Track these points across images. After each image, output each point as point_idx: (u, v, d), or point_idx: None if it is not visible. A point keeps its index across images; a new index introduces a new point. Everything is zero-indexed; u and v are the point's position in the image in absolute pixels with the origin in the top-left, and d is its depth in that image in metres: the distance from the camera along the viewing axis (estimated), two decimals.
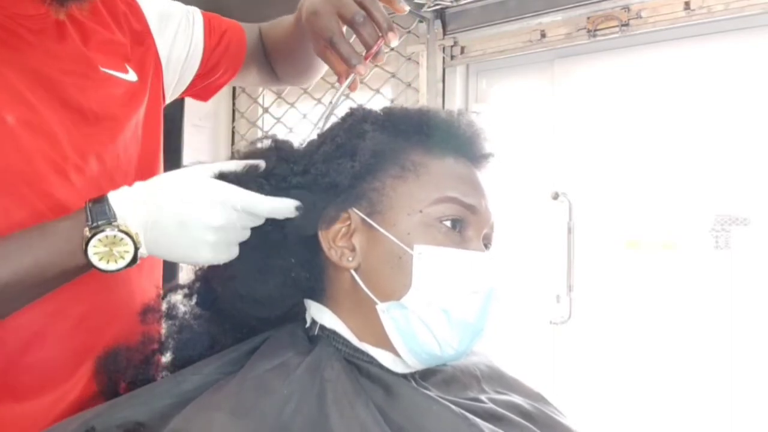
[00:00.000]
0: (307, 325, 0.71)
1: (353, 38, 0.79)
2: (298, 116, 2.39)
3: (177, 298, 0.74)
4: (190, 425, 0.58)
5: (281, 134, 2.61)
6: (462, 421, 0.63)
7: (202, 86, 0.98)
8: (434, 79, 2.06)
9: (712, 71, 1.73)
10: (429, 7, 1.98)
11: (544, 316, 1.94)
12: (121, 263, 0.64)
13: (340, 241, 0.68)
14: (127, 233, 0.63)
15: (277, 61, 1.02)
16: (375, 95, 2.17)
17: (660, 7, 1.68)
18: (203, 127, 2.55)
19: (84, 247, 0.63)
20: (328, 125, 0.74)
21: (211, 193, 0.63)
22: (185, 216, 0.63)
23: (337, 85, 0.80)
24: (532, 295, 1.97)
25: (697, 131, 1.74)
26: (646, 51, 1.82)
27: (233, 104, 2.65)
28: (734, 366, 1.68)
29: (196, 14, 0.95)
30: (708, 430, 1.69)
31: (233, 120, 2.65)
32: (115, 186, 0.67)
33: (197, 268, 0.75)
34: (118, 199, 0.64)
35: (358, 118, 0.72)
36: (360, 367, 0.67)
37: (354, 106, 0.76)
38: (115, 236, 0.63)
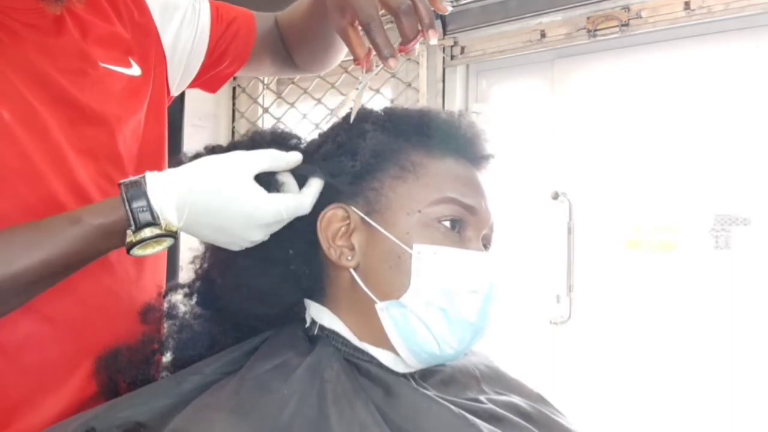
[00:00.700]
0: (307, 325, 0.71)
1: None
2: (298, 116, 2.39)
3: (177, 297, 0.74)
4: (190, 425, 0.58)
5: None
6: (461, 421, 0.63)
7: (208, 77, 0.96)
8: (434, 79, 2.06)
9: (712, 71, 1.73)
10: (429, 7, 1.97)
11: (544, 316, 1.94)
12: (158, 248, 0.65)
13: (340, 240, 0.68)
14: (170, 233, 0.64)
15: (293, 46, 0.98)
16: (375, 95, 2.17)
17: (660, 7, 1.68)
18: (203, 127, 2.55)
19: (127, 247, 0.64)
20: (355, 112, 0.71)
21: (252, 217, 0.64)
22: (225, 227, 0.64)
23: (345, 81, 0.78)
24: (532, 295, 1.97)
25: (697, 131, 1.74)
26: (646, 51, 1.82)
27: (233, 104, 2.65)
28: (734, 366, 1.68)
29: (203, 2, 0.93)
30: (708, 430, 1.69)
31: (233, 120, 2.65)
32: (113, 185, 0.67)
33: (198, 267, 0.75)
34: (156, 191, 0.63)
35: (359, 118, 0.72)
36: (359, 366, 0.67)
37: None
38: (159, 236, 0.63)
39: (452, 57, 2.05)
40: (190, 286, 0.75)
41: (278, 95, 2.53)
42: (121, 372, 0.70)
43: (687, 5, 1.64)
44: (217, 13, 0.93)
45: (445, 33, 2.05)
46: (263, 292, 0.69)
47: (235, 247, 0.67)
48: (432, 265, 0.65)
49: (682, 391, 1.73)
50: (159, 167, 0.84)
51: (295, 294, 0.71)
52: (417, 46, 0.72)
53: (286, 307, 0.72)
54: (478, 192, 0.70)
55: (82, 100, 0.74)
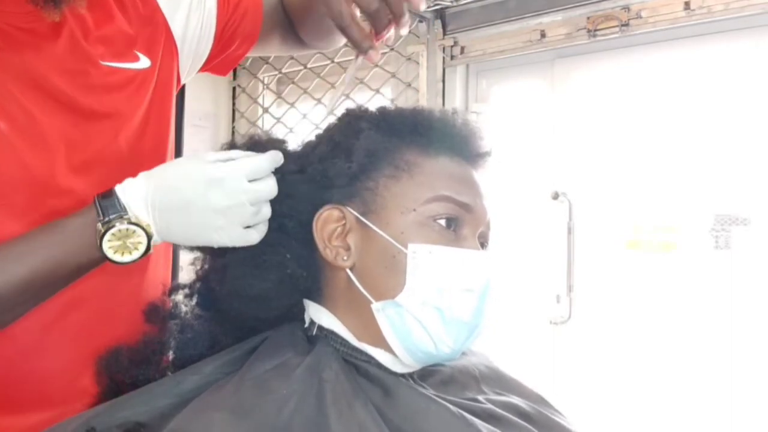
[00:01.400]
0: (306, 325, 0.71)
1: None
2: (298, 116, 2.39)
3: (178, 298, 0.74)
4: (190, 425, 0.58)
5: (281, 134, 2.62)
6: (460, 421, 0.63)
7: (219, 60, 0.95)
8: (434, 79, 2.06)
9: (712, 71, 1.73)
10: (429, 7, 1.98)
11: (544, 316, 1.94)
12: (136, 254, 0.65)
13: (335, 241, 0.68)
14: (138, 224, 0.64)
15: (298, 23, 0.97)
16: (375, 95, 2.17)
17: (660, 7, 1.69)
18: (203, 127, 2.55)
19: (98, 242, 0.64)
20: (338, 105, 0.72)
21: (208, 174, 0.64)
22: (188, 202, 0.64)
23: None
24: (532, 295, 1.97)
25: (697, 131, 1.75)
26: (646, 51, 1.82)
27: (233, 104, 2.65)
28: (734, 366, 1.68)
29: None
30: (708, 430, 1.69)
31: (233, 120, 2.66)
32: (121, 181, 0.67)
33: (198, 267, 0.75)
34: (125, 191, 0.65)
35: (353, 118, 0.72)
36: (358, 367, 0.67)
37: (351, 106, 0.76)
38: (127, 229, 0.64)
39: (452, 57, 2.06)
40: (190, 286, 0.75)
41: (278, 95, 2.53)
42: (122, 372, 0.70)
43: (687, 5, 1.64)
44: None
45: (445, 33, 2.05)
46: (262, 297, 0.69)
47: (213, 235, 0.65)
48: (427, 264, 0.65)
49: (682, 391, 1.73)
50: (164, 156, 0.84)
51: (293, 296, 0.71)
52: (392, 32, 0.73)
53: (286, 310, 0.72)
54: (473, 190, 0.70)
55: (83, 101, 0.73)
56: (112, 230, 0.64)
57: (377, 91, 2.17)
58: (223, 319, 0.72)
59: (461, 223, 0.68)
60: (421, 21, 2.04)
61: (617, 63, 1.87)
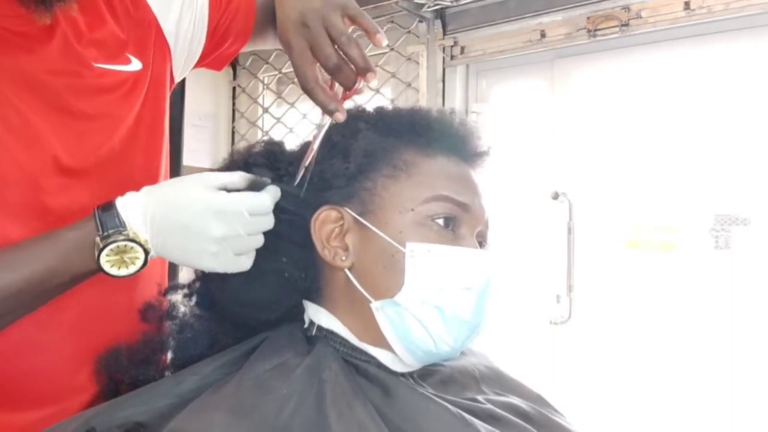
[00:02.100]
0: (306, 325, 0.71)
1: None
2: (298, 116, 2.39)
3: (177, 297, 0.74)
4: (190, 425, 0.58)
5: (281, 134, 2.59)
6: (459, 421, 0.63)
7: (213, 57, 0.94)
8: (434, 79, 2.06)
9: (712, 71, 1.73)
10: (429, 7, 1.98)
11: (544, 316, 1.94)
12: (133, 269, 0.65)
13: (334, 241, 0.68)
14: (136, 241, 0.65)
15: None
16: (375, 95, 2.17)
17: (660, 7, 1.69)
18: (203, 127, 2.55)
19: (96, 256, 0.64)
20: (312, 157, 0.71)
21: (210, 203, 0.64)
22: (187, 226, 0.64)
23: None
24: (532, 295, 1.97)
25: (697, 131, 1.75)
26: (646, 51, 1.82)
27: (233, 104, 2.65)
28: (734, 366, 1.68)
29: None
30: (708, 430, 1.69)
31: (233, 120, 2.66)
32: (115, 184, 0.68)
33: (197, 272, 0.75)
34: (125, 205, 0.66)
35: (351, 117, 0.72)
36: (358, 367, 0.67)
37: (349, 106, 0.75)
38: (126, 245, 0.64)
39: (452, 57, 2.06)
40: (189, 286, 0.75)
41: (278, 95, 2.53)
42: (121, 372, 0.70)
43: (687, 5, 1.64)
44: None
45: (445, 33, 2.05)
46: (262, 302, 0.69)
47: (206, 261, 0.66)
48: (426, 263, 0.65)
49: (682, 391, 1.73)
50: (158, 161, 0.84)
51: (293, 298, 0.71)
52: (362, 85, 0.72)
53: (286, 312, 0.72)
54: (471, 189, 0.70)
55: (76, 104, 0.73)
56: (111, 246, 0.64)
57: (377, 91, 2.17)
58: (222, 319, 0.72)
59: (459, 223, 0.68)
60: (421, 21, 2.04)
61: (617, 63, 1.87)
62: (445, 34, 2.04)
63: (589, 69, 1.93)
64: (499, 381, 0.78)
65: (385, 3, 2.01)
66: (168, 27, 0.85)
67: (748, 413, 1.65)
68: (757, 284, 1.65)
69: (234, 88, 2.64)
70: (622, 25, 1.73)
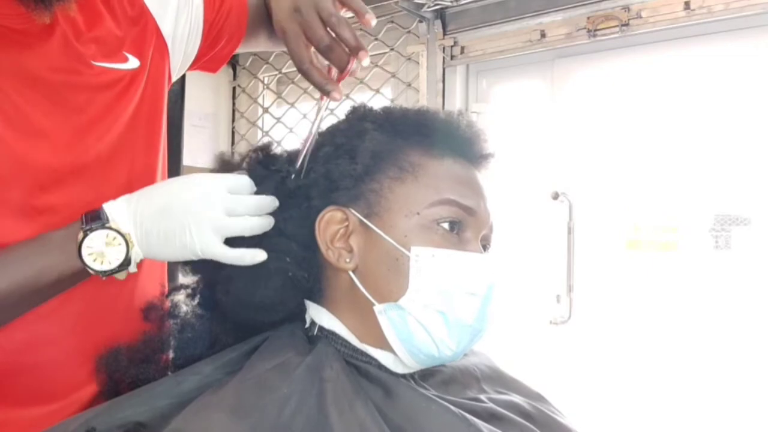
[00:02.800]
0: (307, 325, 0.71)
1: None
2: (298, 116, 2.39)
3: (179, 297, 0.74)
4: (190, 425, 0.58)
5: (281, 134, 2.59)
6: (461, 421, 0.63)
7: (207, 58, 0.95)
8: (434, 79, 2.06)
9: (712, 71, 1.73)
10: (429, 7, 1.98)
11: (544, 316, 1.94)
12: (115, 263, 0.66)
13: (338, 243, 0.68)
14: (118, 231, 0.65)
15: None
16: (375, 95, 2.17)
17: (660, 7, 1.68)
18: (203, 127, 2.55)
19: (78, 249, 0.65)
20: (311, 146, 0.72)
21: (190, 180, 0.67)
22: (168, 201, 0.66)
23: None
24: (532, 295, 1.97)
25: (697, 131, 1.74)
26: (646, 51, 1.82)
27: (233, 104, 2.65)
28: (734, 366, 1.68)
29: None
30: (708, 430, 1.69)
31: (233, 120, 2.65)
32: (113, 180, 0.69)
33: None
34: (112, 204, 0.67)
35: (358, 117, 0.72)
36: (359, 367, 0.67)
37: (355, 104, 0.75)
38: (107, 235, 0.65)
39: (452, 57, 2.05)
40: (193, 288, 0.75)
41: (278, 95, 2.53)
42: (122, 372, 0.70)
43: (687, 5, 1.64)
44: None
45: (445, 33, 2.05)
46: (266, 304, 0.68)
47: (187, 238, 0.66)
48: (430, 267, 0.65)
49: (682, 391, 1.73)
50: (155, 156, 0.85)
51: (296, 298, 0.71)
52: (358, 66, 0.74)
53: (289, 313, 0.71)
54: (477, 192, 0.70)
55: (76, 100, 0.74)
56: (90, 235, 0.65)
57: (377, 91, 2.17)
58: (224, 319, 0.72)
59: (464, 227, 0.68)
60: (421, 21, 2.04)
61: (617, 63, 1.87)
62: (445, 34, 2.04)
63: (589, 69, 1.93)
64: (499, 380, 0.78)
65: (385, 3, 2.01)
66: (166, 28, 0.86)
67: (748, 413, 1.65)
68: (757, 284, 1.65)
69: (234, 88, 2.64)
70: (622, 25, 1.73)
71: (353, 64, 0.72)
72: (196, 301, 0.74)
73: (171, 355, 0.72)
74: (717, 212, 1.71)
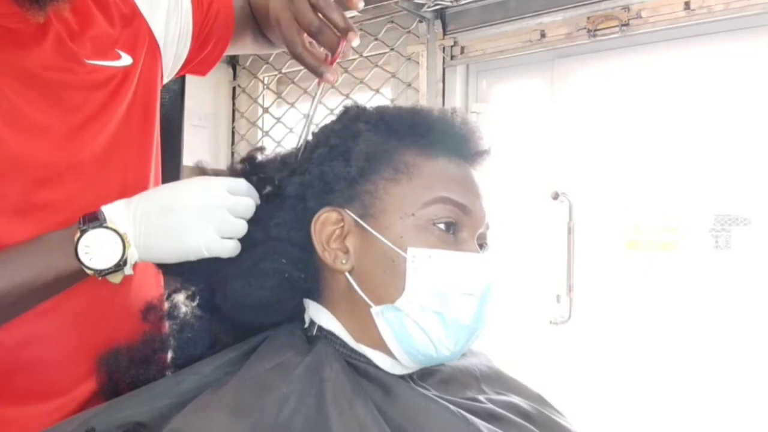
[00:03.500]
0: (306, 325, 0.71)
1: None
2: (298, 116, 2.39)
3: (179, 298, 0.74)
4: (190, 425, 0.58)
5: (281, 134, 2.59)
6: (460, 420, 0.63)
7: (197, 62, 0.96)
8: (434, 79, 2.06)
9: (712, 71, 1.73)
10: (429, 7, 1.98)
11: (544, 316, 1.94)
12: (111, 262, 0.66)
13: (334, 243, 0.68)
14: (114, 230, 0.66)
15: (263, 27, 0.99)
16: (375, 95, 2.17)
17: (660, 7, 1.68)
18: (203, 127, 2.55)
19: (75, 247, 0.65)
20: (309, 130, 0.74)
21: (189, 181, 0.67)
22: (168, 200, 0.67)
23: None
24: (532, 295, 1.97)
25: (697, 131, 1.74)
26: (646, 51, 1.82)
27: (233, 104, 2.65)
28: (734, 366, 1.68)
29: None
30: (708, 430, 1.69)
31: (233, 120, 2.65)
32: (108, 177, 0.70)
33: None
34: (110, 206, 0.68)
35: (351, 117, 0.72)
36: (358, 367, 0.67)
37: (349, 104, 0.76)
38: (104, 234, 0.65)
39: (452, 57, 2.05)
40: (192, 291, 0.75)
41: (278, 95, 2.53)
42: (122, 372, 0.70)
43: (687, 5, 1.64)
44: None
45: (445, 33, 2.05)
46: (264, 305, 0.68)
47: (188, 237, 0.66)
48: (426, 268, 0.64)
49: (682, 391, 1.73)
50: (148, 154, 0.85)
51: (294, 299, 0.71)
52: (348, 49, 0.76)
53: (288, 314, 0.71)
54: (472, 190, 0.69)
55: (70, 98, 0.74)
56: (87, 233, 0.65)
57: (377, 91, 2.17)
58: (223, 319, 0.72)
59: (460, 226, 0.68)
60: (421, 21, 2.04)
61: (617, 63, 1.87)
62: (445, 34, 2.04)
63: (589, 69, 1.93)
64: (499, 380, 0.78)
65: (385, 3, 2.01)
66: (157, 29, 0.87)
67: (748, 413, 1.65)
68: (757, 284, 1.65)
69: (234, 88, 2.64)
70: (622, 25, 1.73)
71: (343, 45, 0.75)
72: (196, 302, 0.74)
73: (171, 355, 0.73)
74: (717, 212, 1.71)
